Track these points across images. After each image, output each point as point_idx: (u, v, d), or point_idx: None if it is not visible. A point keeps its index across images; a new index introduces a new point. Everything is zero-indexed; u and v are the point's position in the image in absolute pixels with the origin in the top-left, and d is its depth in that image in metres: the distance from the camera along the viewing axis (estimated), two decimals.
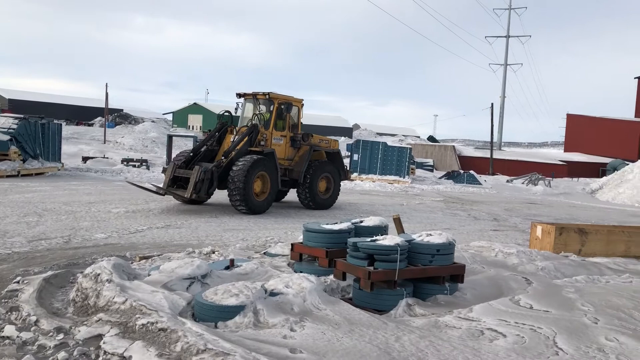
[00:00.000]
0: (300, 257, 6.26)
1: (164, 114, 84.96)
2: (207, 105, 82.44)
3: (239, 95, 14.18)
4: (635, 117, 57.47)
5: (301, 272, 5.71)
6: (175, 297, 4.67)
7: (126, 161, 23.20)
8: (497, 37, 64.12)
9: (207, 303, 4.45)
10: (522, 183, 32.07)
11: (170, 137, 25.30)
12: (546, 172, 37.60)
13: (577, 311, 4.98)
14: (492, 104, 43.80)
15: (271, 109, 13.56)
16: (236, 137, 13.04)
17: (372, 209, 14.71)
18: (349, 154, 28.25)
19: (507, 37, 62.49)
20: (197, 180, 11.76)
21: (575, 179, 39.75)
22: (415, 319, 4.77)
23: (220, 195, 13.89)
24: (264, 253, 7.30)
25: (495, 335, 4.30)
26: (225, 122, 13.61)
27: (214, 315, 4.38)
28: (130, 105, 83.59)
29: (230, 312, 4.36)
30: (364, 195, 19.69)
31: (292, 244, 6.42)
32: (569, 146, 59.14)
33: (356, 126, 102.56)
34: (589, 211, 19.12)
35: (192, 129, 72.30)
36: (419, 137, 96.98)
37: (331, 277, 5.70)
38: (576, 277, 6.71)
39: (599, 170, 46.34)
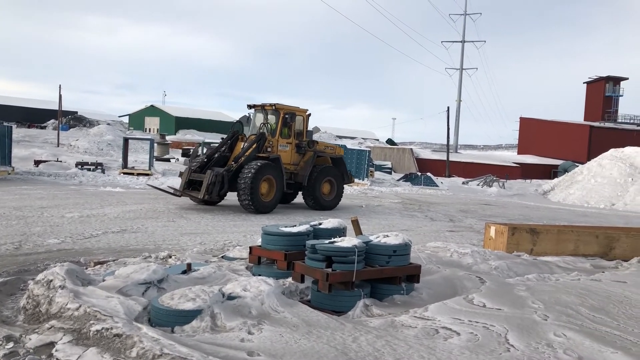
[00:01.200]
0: (258, 260, 6.26)
1: (120, 117, 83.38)
2: (165, 107, 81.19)
3: (250, 107, 15.39)
4: (585, 120, 59.56)
5: (259, 275, 5.71)
6: (130, 302, 4.61)
7: (81, 165, 22.61)
8: (453, 42, 65.46)
9: (163, 308, 4.40)
10: (478, 185, 32.79)
11: (126, 140, 24.79)
12: (500, 174, 38.56)
13: (528, 309, 5.14)
14: (448, 107, 44.71)
15: (278, 118, 14.72)
16: (245, 144, 14.24)
17: (333, 212, 14.78)
18: None
19: (463, 42, 63.87)
20: (209, 183, 13.12)
21: (528, 181, 40.87)
22: (373, 319, 4.84)
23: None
24: (222, 257, 7.26)
25: (450, 334, 4.40)
26: (236, 131, 14.92)
27: (170, 320, 4.34)
28: (84, 107, 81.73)
29: (187, 316, 4.33)
30: None
31: (250, 247, 6.41)
32: (522, 148, 60.80)
33: (316, 129, 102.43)
34: (541, 211, 19.71)
35: (149, 131, 71.08)
36: (378, 140, 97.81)
37: (290, 279, 5.73)
38: (528, 275, 6.93)
39: (550, 172, 47.80)
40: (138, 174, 22.24)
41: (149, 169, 23.23)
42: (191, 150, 32.93)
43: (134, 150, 33.26)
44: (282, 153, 14.58)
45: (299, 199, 15.89)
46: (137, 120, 78.30)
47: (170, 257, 7.21)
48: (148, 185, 17.32)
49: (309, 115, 15.68)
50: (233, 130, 14.92)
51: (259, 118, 15.14)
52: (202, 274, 5.74)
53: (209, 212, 13.24)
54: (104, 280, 5.27)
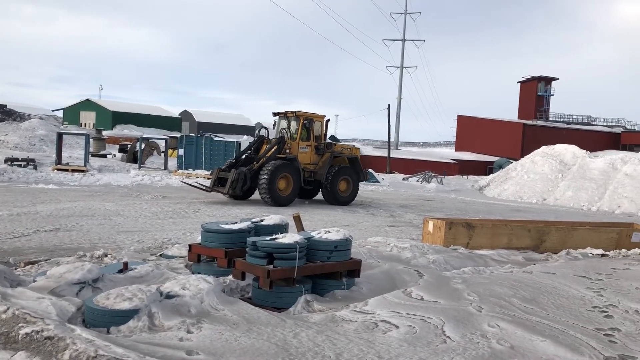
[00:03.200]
0: (198, 258, 6.16)
1: (53, 111, 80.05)
2: (101, 101, 78.53)
3: (275, 114, 17.44)
4: (519, 118, 61.92)
5: (199, 273, 5.63)
6: (63, 303, 4.43)
7: (10, 160, 21.56)
8: (394, 40, 66.56)
9: (98, 308, 4.27)
10: (417, 181, 33.50)
11: (60, 135, 23.84)
12: (439, 170, 39.54)
13: (463, 301, 5.30)
14: (389, 105, 45.43)
15: (298, 124, 16.68)
16: (267, 146, 16.34)
17: (277, 210, 14.75)
18: None
19: (403, 40, 65.06)
20: (232, 180, 15.11)
21: (465, 177, 42.14)
22: (314, 315, 4.86)
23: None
24: (161, 255, 7.10)
25: (389, 327, 4.48)
26: (262, 136, 17.04)
27: (105, 320, 4.21)
28: (15, 100, 77.77)
29: (123, 316, 4.21)
30: None
31: (189, 245, 6.29)
32: (459, 146, 62.56)
33: (259, 125, 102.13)
34: (477, 206, 20.36)
35: (85, 126, 68.67)
36: None
37: (230, 277, 5.67)
38: (464, 268, 7.15)
39: (486, 168, 49.40)
40: (73, 171, 21.45)
41: (85, 166, 22.46)
42: (129, 145, 32.05)
43: (69, 146, 32.03)
44: (302, 154, 16.60)
45: (320, 195, 17.69)
46: (71, 114, 75.39)
47: (106, 256, 6.99)
48: (182, 182, 19.29)
49: (328, 120, 17.60)
50: (259, 135, 17.20)
51: (282, 124, 17.12)
52: (140, 273, 5.59)
53: (147, 209, 12.93)
54: (34, 281, 5.05)
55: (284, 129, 16.91)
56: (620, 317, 5.18)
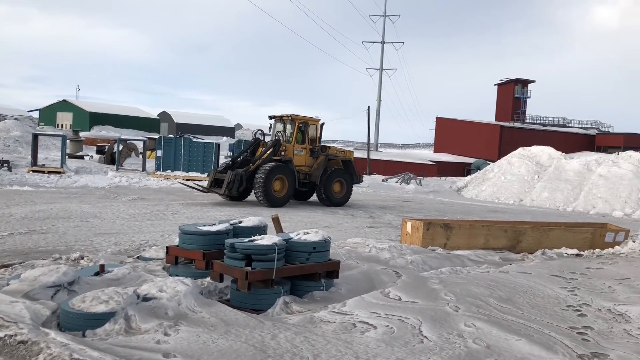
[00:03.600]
0: (176, 261, 6.13)
1: (29, 112, 78.67)
2: (78, 102, 77.42)
3: (270, 117, 17.72)
4: (496, 120, 62.61)
5: (177, 275, 5.59)
6: (38, 306, 4.38)
7: None
8: (373, 42, 66.83)
9: (73, 311, 4.22)
10: (396, 182, 33.66)
11: (35, 136, 23.44)
12: (418, 171, 39.75)
13: (440, 301, 5.36)
14: (368, 106, 45.53)
15: (294, 127, 17.12)
16: (263, 149, 16.71)
17: (255, 211, 14.71)
18: (231, 154, 27.99)
19: (382, 42, 65.34)
20: (229, 181, 15.43)
21: (443, 178, 42.43)
22: (292, 316, 4.87)
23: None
24: (138, 257, 7.05)
25: (367, 327, 4.51)
26: (258, 138, 17.33)
27: (81, 323, 4.16)
28: None
29: (99, 319, 4.17)
30: None
31: (167, 247, 6.25)
32: (438, 147, 63.02)
33: (238, 126, 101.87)
34: (455, 207, 20.54)
35: (62, 127, 67.64)
36: None
37: (208, 279, 5.65)
38: (441, 269, 7.21)
39: (464, 170, 49.84)
40: (49, 172, 21.11)
41: (61, 167, 22.13)
42: (107, 147, 31.67)
43: (45, 147, 31.57)
44: (297, 157, 16.99)
45: (314, 197, 18.04)
46: (48, 115, 74.19)
47: (83, 258, 6.91)
48: (180, 182, 19.76)
49: (322, 124, 17.95)
50: (255, 138, 17.40)
51: (278, 127, 17.55)
52: (116, 276, 5.54)
53: (125, 211, 12.80)
54: (8, 284, 4.96)
55: (280, 131, 17.39)
56: (593, 316, 5.28)
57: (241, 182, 15.65)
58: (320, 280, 5.69)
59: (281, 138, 17.07)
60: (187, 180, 21.02)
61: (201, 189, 16.53)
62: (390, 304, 5.12)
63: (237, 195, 16.31)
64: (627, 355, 4.20)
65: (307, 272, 5.61)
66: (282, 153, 16.69)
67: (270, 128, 17.88)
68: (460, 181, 32.93)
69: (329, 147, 18.22)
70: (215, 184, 16.14)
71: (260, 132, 17.73)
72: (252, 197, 16.86)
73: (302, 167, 17.17)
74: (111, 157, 27.94)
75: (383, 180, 35.26)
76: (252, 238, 5.50)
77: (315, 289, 5.62)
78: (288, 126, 17.43)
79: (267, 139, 17.82)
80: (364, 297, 5.29)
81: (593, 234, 10.58)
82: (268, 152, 16.45)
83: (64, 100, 76.39)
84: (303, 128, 17.34)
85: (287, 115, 17.30)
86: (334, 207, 17.05)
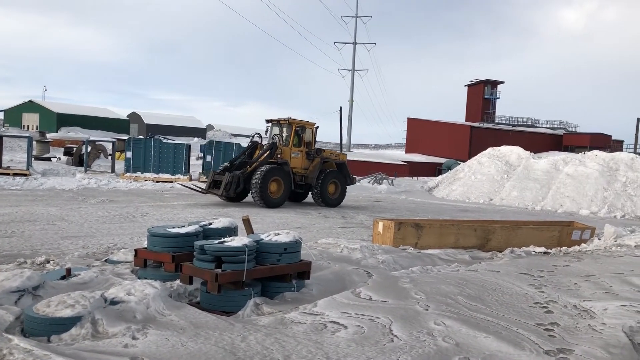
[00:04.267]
0: (144, 263, 6.04)
1: None
2: (45, 103, 75.84)
3: (268, 121, 18.35)
4: (466, 120, 63.43)
5: (145, 278, 5.51)
6: (0, 312, 4.27)
7: None
8: (345, 43, 66.98)
9: (38, 316, 4.12)
10: (369, 182, 33.83)
11: (0, 138, 22.89)
12: (390, 171, 40.02)
13: (411, 300, 5.39)
14: (340, 107, 45.79)
15: (290, 130, 17.65)
16: (260, 151, 17.23)
17: (226, 212, 14.62)
18: (202, 155, 27.75)
19: (354, 43, 65.54)
20: (226, 183, 15.93)
21: (415, 178, 42.82)
22: (263, 318, 4.84)
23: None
24: (106, 260, 6.92)
25: (338, 328, 4.51)
26: (255, 141, 17.92)
27: (46, 328, 4.07)
28: None
29: (65, 324, 4.08)
30: (217, 197, 19.41)
31: (135, 250, 6.16)
32: (409, 147, 63.55)
33: (210, 127, 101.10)
34: (427, 207, 20.73)
35: (28, 128, 66.17)
36: None
37: (178, 281, 5.58)
38: (412, 268, 7.27)
39: (435, 170, 50.36)
40: (14, 174, 20.63)
41: (27, 169, 21.63)
42: (74, 148, 31.07)
43: (10, 149, 30.87)
44: (294, 159, 17.54)
45: (310, 198, 18.66)
46: (13, 116, 72.49)
47: (49, 262, 6.77)
48: (180, 184, 20.68)
49: (317, 128, 18.64)
50: (252, 141, 17.98)
51: (275, 130, 18.09)
52: (83, 279, 5.44)
53: (93, 214, 12.58)
54: None
55: (277, 135, 17.91)
56: (560, 312, 5.38)
57: (238, 183, 16.14)
58: (292, 281, 5.68)
59: (278, 141, 17.59)
60: (158, 181, 20.81)
61: (200, 190, 16.98)
62: (361, 304, 5.13)
63: (234, 197, 16.70)
64: (591, 350, 4.29)
65: (278, 273, 5.59)
66: (279, 156, 17.23)
67: (266, 131, 18.52)
68: (432, 181, 33.26)
69: (323, 150, 18.96)
70: (213, 186, 16.62)
71: (257, 135, 18.37)
72: (248, 198, 17.34)
73: (299, 170, 17.74)
74: (79, 158, 27.44)
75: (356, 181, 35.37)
76: (222, 240, 5.46)
77: (286, 290, 5.61)
78: (285, 130, 17.98)
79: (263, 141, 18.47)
80: (335, 298, 5.29)
81: (560, 232, 10.80)
82: (265, 154, 16.94)
83: (30, 101, 74.80)
84: (299, 132, 17.94)
85: (285, 119, 17.85)
86: (328, 207, 17.74)
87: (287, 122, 17.79)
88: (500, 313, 5.21)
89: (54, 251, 8.01)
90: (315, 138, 18.69)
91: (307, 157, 18.08)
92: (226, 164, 17.68)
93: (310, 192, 18.34)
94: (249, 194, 16.91)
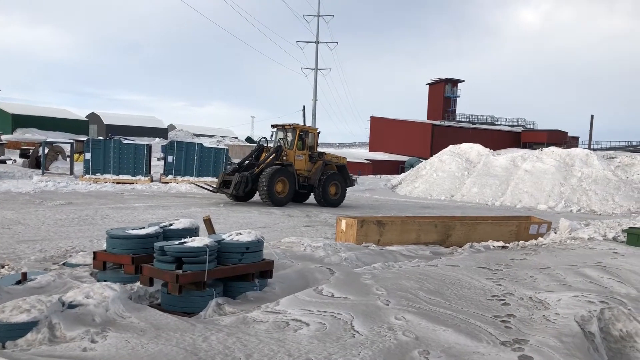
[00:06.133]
0: (104, 266, 5.94)
1: None
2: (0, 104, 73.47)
3: (273, 126, 19.80)
4: (428, 119, 64.32)
5: (105, 281, 5.43)
6: None
7: None
8: (308, 42, 66.93)
9: None
10: None
11: None
12: (354, 170, 40.22)
13: (372, 295, 5.46)
14: (304, 106, 45.79)
15: (295, 135, 19.00)
16: (267, 154, 18.57)
17: (187, 213, 14.47)
18: (163, 155, 27.38)
19: (317, 42, 65.57)
20: (236, 183, 17.22)
21: (378, 176, 43.21)
22: (224, 318, 4.83)
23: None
24: (64, 264, 6.78)
25: (300, 325, 4.54)
26: (262, 145, 19.39)
27: (1, 334, 3.98)
28: None
29: (20, 329, 4.00)
30: (179, 198, 19.24)
31: (94, 252, 6.05)
32: (373, 146, 64.09)
33: (171, 127, 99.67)
34: (390, 204, 20.97)
35: None
36: (237, 138, 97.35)
37: (138, 283, 5.52)
38: (374, 264, 7.35)
39: (398, 168, 50.94)
40: None
41: None
42: (31, 150, 30.24)
43: None
44: (298, 162, 18.81)
45: (312, 198, 19.80)
46: None
47: (3, 267, 6.59)
48: (191, 183, 22.11)
49: (319, 132, 20.08)
50: (259, 144, 19.56)
51: (280, 135, 19.45)
52: (40, 283, 5.33)
53: (51, 217, 12.29)
54: None
55: (282, 139, 19.26)
56: (516, 304, 5.54)
57: (247, 183, 17.42)
58: (254, 280, 5.67)
59: (283, 145, 18.94)
60: (118, 183, 20.51)
61: (211, 189, 18.34)
62: (324, 301, 5.17)
63: (243, 196, 17.93)
64: (545, 339, 4.43)
65: (240, 273, 5.57)
66: (284, 158, 18.57)
67: (272, 135, 19.87)
68: (395, 179, 33.60)
69: (325, 153, 20.35)
70: (224, 185, 17.89)
71: (264, 139, 19.79)
72: (256, 197, 18.63)
73: (302, 171, 18.94)
74: (36, 160, 26.76)
75: None
76: (183, 240, 5.42)
77: (248, 289, 5.60)
78: (289, 134, 19.29)
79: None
80: (298, 296, 5.32)
81: (518, 227, 11.08)
82: (271, 157, 18.24)
83: None
84: (303, 136, 19.29)
85: (289, 124, 19.26)
86: (331, 207, 18.72)
87: (292, 127, 19.19)
88: (459, 306, 5.33)
89: (9, 256, 7.80)
90: (317, 142, 19.93)
91: (310, 160, 19.33)
92: (235, 165, 19.19)
93: (312, 193, 19.35)
94: (256, 193, 18.12)
